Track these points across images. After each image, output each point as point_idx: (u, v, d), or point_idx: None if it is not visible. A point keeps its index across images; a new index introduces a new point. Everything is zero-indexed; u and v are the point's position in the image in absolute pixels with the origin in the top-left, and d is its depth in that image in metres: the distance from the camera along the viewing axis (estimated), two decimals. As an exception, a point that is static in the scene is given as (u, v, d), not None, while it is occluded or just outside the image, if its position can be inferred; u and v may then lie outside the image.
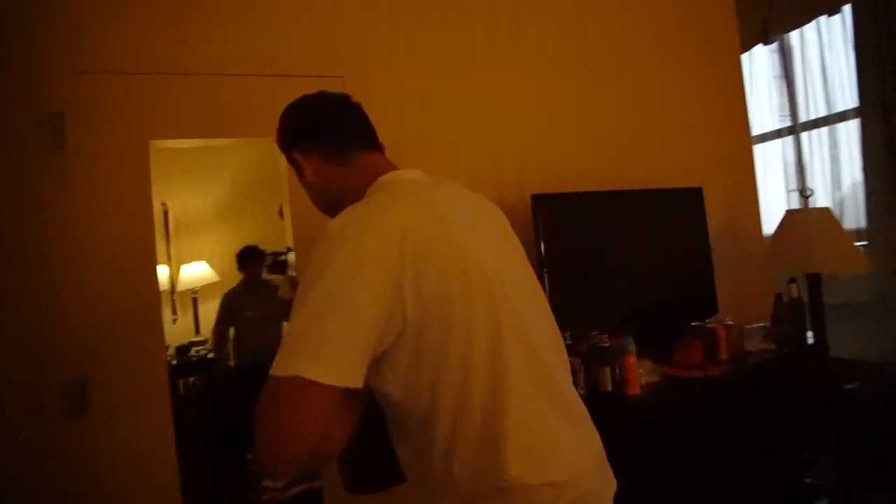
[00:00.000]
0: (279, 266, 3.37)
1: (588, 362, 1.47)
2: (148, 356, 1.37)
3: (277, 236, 2.76)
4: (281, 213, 2.12)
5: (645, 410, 1.42)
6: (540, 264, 1.56)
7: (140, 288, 1.38)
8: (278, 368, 0.61)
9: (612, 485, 0.81)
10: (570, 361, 0.94)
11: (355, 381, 0.63)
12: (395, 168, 0.87)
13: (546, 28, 1.91)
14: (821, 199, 2.68)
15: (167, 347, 2.15)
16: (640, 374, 1.50)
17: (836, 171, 2.65)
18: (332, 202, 0.87)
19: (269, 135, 1.60)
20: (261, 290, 2.72)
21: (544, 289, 1.03)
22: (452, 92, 1.74)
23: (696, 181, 2.03)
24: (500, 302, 0.74)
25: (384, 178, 0.82)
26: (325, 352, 0.61)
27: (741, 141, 2.29)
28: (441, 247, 0.71)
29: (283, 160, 1.58)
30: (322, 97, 0.92)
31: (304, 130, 0.88)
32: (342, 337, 0.63)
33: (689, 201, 1.95)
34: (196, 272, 2.61)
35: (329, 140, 0.87)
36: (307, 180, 0.88)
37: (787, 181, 2.91)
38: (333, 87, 1.61)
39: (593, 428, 0.83)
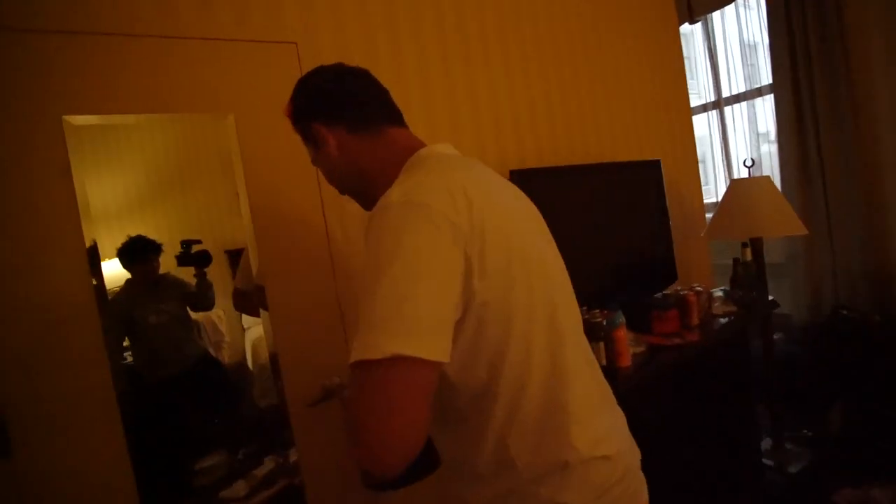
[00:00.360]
0: (194, 258, 2.88)
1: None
2: (87, 371, 1.12)
3: (218, 227, 2.41)
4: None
5: (639, 380, 1.45)
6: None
7: (68, 291, 1.12)
8: (372, 351, 0.55)
9: (639, 455, 0.83)
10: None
11: (448, 355, 0.60)
12: (426, 144, 0.81)
13: (513, 14, 1.83)
14: (743, 171, 2.93)
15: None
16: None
17: (756, 143, 2.90)
18: (354, 179, 0.83)
19: (207, 110, 1.38)
20: (160, 290, 2.31)
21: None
22: (425, 69, 1.60)
23: (649, 154, 2.10)
24: (551, 283, 0.76)
25: (424, 152, 0.78)
26: (421, 327, 0.57)
27: (683, 114, 2.40)
28: (497, 221, 0.69)
29: (233, 138, 1.38)
30: (342, 67, 0.87)
31: (329, 98, 0.82)
32: (433, 310, 0.59)
33: (649, 173, 2.00)
34: (111, 271, 2.22)
35: (355, 110, 0.82)
36: (329, 153, 0.81)
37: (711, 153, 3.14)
38: (286, 54, 1.42)
39: (617, 404, 0.85)
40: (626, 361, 1.47)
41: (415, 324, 0.57)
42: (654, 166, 2.02)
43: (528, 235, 0.76)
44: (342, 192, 0.88)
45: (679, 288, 1.78)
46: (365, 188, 0.81)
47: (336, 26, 1.44)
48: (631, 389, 1.45)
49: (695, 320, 1.70)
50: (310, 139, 0.83)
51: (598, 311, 1.47)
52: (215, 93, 1.31)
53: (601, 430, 0.75)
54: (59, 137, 1.12)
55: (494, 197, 0.72)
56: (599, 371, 0.83)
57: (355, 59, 1.45)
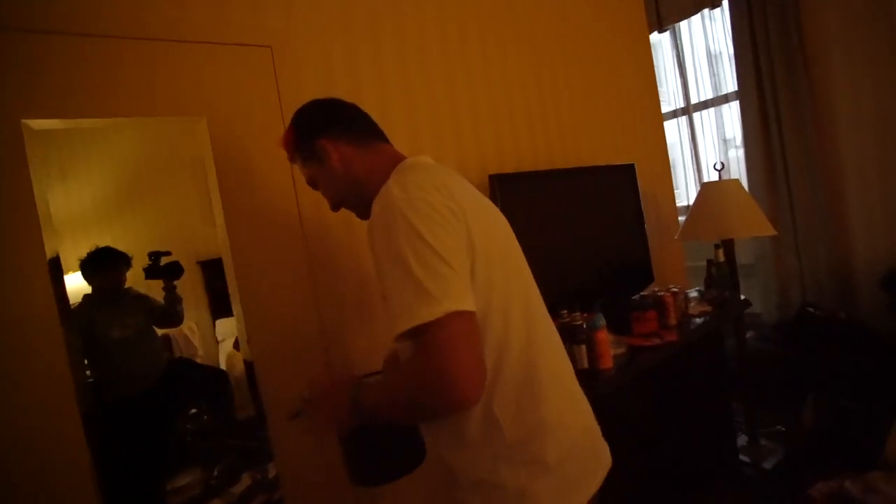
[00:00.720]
0: (164, 270, 2.67)
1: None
2: (49, 390, 1.06)
3: (190, 237, 2.33)
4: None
5: (622, 382, 1.46)
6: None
7: (28, 305, 1.05)
8: (427, 314, 0.64)
9: (597, 427, 0.91)
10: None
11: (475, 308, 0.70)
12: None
13: (494, 21, 1.84)
14: (712, 174, 3.01)
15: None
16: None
17: (723, 148, 2.99)
18: (352, 189, 0.91)
19: (180, 113, 1.34)
20: (124, 304, 2.09)
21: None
22: (406, 76, 1.59)
23: (624, 158, 2.13)
24: (521, 275, 0.87)
25: (409, 161, 0.87)
26: (456, 287, 0.67)
27: (655, 120, 2.46)
28: (480, 217, 0.79)
29: (206, 142, 1.34)
30: (334, 98, 0.97)
31: (330, 116, 0.92)
32: (459, 275, 0.69)
33: (624, 177, 2.04)
34: (72, 285, 2.10)
35: (353, 126, 0.92)
36: (333, 166, 0.90)
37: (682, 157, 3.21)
38: (261, 58, 1.40)
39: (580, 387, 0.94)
40: (607, 363, 1.48)
41: (452, 285, 0.67)
42: (629, 170, 2.05)
43: (502, 235, 0.87)
44: (338, 205, 0.95)
45: (656, 289, 1.81)
46: (361, 197, 0.89)
47: (317, 31, 1.42)
48: (613, 392, 1.46)
49: (672, 320, 1.73)
50: (312, 157, 0.91)
51: (578, 313, 1.48)
52: (188, 96, 1.27)
53: (572, 393, 0.87)
54: (18, 142, 1.06)
55: (472, 198, 0.82)
56: (567, 356, 0.91)
57: (335, 64, 1.45)
